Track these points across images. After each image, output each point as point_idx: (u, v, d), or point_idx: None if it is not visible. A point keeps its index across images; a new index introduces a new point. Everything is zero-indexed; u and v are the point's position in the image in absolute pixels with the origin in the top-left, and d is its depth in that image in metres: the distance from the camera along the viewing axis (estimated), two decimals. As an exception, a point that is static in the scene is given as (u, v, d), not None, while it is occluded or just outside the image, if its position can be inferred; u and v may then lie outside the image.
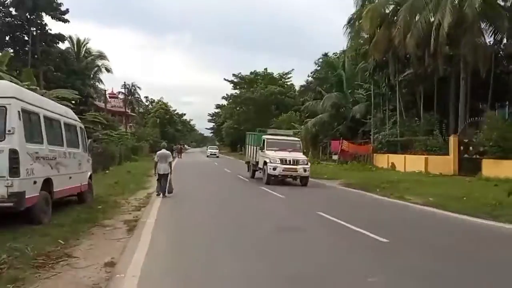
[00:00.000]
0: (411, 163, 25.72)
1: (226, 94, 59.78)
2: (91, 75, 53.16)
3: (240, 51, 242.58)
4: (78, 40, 49.63)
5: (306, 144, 42.11)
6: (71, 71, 43.61)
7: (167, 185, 15.15)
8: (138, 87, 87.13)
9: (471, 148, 22.58)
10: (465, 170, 22.76)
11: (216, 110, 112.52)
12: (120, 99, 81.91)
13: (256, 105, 56.15)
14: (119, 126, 53.58)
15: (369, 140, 34.33)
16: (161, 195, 14.97)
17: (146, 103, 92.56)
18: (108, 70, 57.77)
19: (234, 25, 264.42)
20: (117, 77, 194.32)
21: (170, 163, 15.66)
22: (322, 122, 38.04)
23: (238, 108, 60.01)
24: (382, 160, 29.49)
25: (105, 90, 57.55)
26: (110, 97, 70.18)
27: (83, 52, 50.26)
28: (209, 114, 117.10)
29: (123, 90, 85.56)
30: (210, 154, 60.07)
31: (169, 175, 15.30)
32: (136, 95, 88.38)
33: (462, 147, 23.33)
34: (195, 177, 24.47)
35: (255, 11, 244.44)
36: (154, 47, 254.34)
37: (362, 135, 36.40)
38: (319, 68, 58.07)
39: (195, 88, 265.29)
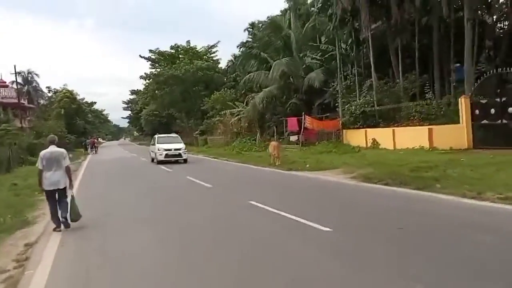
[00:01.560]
0: (405, 137, 19.71)
1: (145, 73, 50.18)
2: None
3: (151, 36, 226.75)
4: None
5: (252, 126, 35.05)
6: None
7: (68, 208, 8.57)
8: (36, 74, 74.15)
9: (492, 111, 16.99)
10: (482, 141, 17.29)
11: (132, 97, 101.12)
12: (14, 88, 68.34)
13: (182, 84, 47.45)
14: (11, 121, 42.01)
15: (332, 114, 28.12)
16: (61, 227, 8.39)
17: (49, 94, 78.86)
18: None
19: (140, 8, 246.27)
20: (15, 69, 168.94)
21: (68, 169, 9.01)
22: (271, 97, 30.99)
23: (159, 90, 50.69)
24: (357, 137, 23.34)
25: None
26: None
27: None
28: (124, 102, 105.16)
29: (18, 79, 72.86)
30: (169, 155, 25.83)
31: (67, 189, 8.81)
32: (34, 84, 75.49)
33: (478, 111, 17.69)
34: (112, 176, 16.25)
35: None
36: (56, 35, 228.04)
37: (320, 109, 30.08)
38: (251, 37, 51.05)
39: (106, 78, 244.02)
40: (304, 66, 31.01)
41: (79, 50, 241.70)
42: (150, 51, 52.58)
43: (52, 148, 8.92)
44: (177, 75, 45.70)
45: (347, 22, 25.06)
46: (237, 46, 53.88)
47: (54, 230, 8.33)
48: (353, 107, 23.87)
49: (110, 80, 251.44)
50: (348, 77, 27.21)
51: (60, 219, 8.45)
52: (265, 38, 33.54)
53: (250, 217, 8.39)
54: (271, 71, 29.49)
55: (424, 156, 15.82)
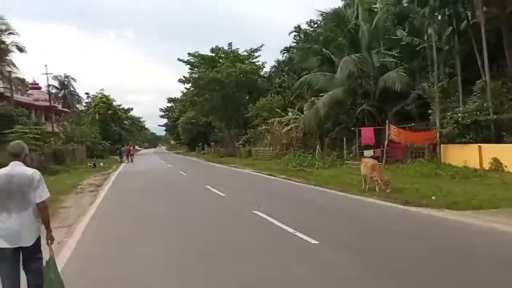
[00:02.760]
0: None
1: (184, 77, 45.30)
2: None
3: (189, 46, 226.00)
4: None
5: (309, 136, 29.21)
6: None
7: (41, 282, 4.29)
8: (73, 79, 71.14)
9: None
10: None
11: (169, 104, 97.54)
12: (51, 93, 65.39)
13: (223, 89, 42.31)
14: (41, 124, 37.97)
15: (417, 124, 21.98)
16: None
17: (87, 100, 75.87)
18: (21, 50, 42.00)
19: (175, 20, 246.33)
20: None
21: (41, 208, 4.40)
22: (335, 102, 25.05)
23: (199, 96, 45.72)
24: (463, 155, 17.03)
25: (10, 74, 41.30)
26: (31, 88, 53.79)
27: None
28: (161, 109, 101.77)
29: (54, 84, 70.19)
30: None
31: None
32: (71, 89, 72.58)
33: None
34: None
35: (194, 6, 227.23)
36: (95, 45, 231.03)
37: (397, 118, 23.88)
38: (295, 41, 45.50)
39: (144, 87, 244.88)
40: (377, 65, 24.98)
41: (117, 60, 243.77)
42: (189, 54, 47.86)
43: (14, 168, 4.47)
44: (219, 79, 40.53)
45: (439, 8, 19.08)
46: (281, 51, 48.60)
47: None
48: (458, 115, 17.64)
49: (147, 89, 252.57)
50: (440, 78, 20.98)
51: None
52: (325, 34, 27.77)
53: None
54: (338, 69, 23.62)
55: None
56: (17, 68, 46.37)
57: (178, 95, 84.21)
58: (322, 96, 26.71)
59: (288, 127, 31.25)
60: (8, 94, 34.98)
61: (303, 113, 30.12)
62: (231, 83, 41.87)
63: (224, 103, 43.44)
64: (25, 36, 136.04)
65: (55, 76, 68.89)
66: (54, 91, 69.68)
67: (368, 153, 22.08)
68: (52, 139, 35.17)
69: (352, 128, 23.32)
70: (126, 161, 45.36)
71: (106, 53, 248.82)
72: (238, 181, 18.77)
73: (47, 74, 45.12)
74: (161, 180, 20.14)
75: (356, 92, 25.34)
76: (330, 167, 22.25)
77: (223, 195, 13.31)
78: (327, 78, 26.70)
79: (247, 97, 44.28)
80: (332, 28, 27.43)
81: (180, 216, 10.18)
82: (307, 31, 37.11)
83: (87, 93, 75.50)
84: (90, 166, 33.88)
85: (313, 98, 27.19)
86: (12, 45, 41.45)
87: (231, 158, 40.61)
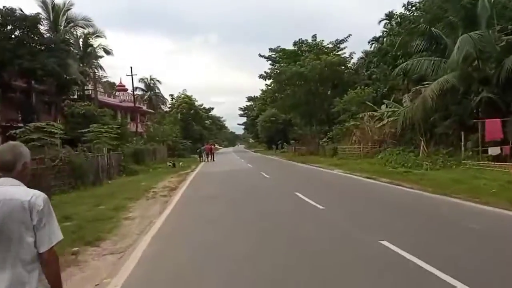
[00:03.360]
0: None
1: (265, 72, 42.59)
2: (78, 54, 37.78)
3: (268, 46, 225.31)
4: (54, 5, 33.87)
5: (414, 132, 24.82)
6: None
7: None
8: (158, 81, 72.54)
9: None
10: None
11: (248, 103, 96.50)
12: (137, 94, 67.10)
13: (306, 83, 38.99)
14: (126, 124, 37.81)
15: None
16: None
17: (171, 101, 77.07)
18: (107, 52, 42.60)
19: (256, 23, 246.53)
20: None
21: (48, 259, 2.22)
22: (445, 91, 20.54)
23: (280, 92, 42.88)
24: None
25: (96, 76, 41.86)
26: (117, 90, 55.11)
27: (63, 23, 34.60)
28: (240, 108, 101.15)
29: (140, 86, 72.13)
30: None
31: None
32: (157, 91, 74.10)
33: None
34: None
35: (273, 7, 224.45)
36: (179, 51, 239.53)
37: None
38: (385, 30, 40.99)
39: (224, 88, 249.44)
40: (501, 44, 20.03)
41: (200, 64, 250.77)
42: (271, 49, 45.18)
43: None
44: (302, 72, 37.27)
45: None
46: (369, 42, 44.14)
47: None
48: None
49: (227, 90, 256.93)
50: None
51: None
52: (433, 11, 23.20)
53: None
54: (454, 50, 19.10)
55: None
56: (104, 71, 47.69)
57: (258, 94, 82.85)
58: (426, 85, 22.37)
59: (383, 122, 27.03)
60: (94, 95, 35.04)
61: (402, 106, 25.79)
62: (315, 77, 38.37)
63: (307, 98, 40.11)
64: (115, 43, 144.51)
65: (141, 78, 70.88)
66: (140, 92, 71.84)
67: (494, 150, 17.51)
68: (134, 138, 34.58)
69: (474, 121, 18.67)
70: (207, 160, 44.14)
71: (190, 57, 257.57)
72: (333, 186, 15.39)
73: (132, 75, 45.11)
74: (241, 184, 17.40)
75: (473, 77, 20.61)
76: (443, 168, 18.01)
77: (321, 207, 10.09)
78: (435, 63, 22.27)
79: (332, 91, 40.50)
80: (440, 5, 22.85)
81: (270, 244, 7.16)
82: (405, 15, 32.43)
83: (171, 95, 76.64)
84: (169, 165, 32.67)
85: (419, 87, 22.81)
86: (100, 48, 42.33)
87: (314, 157, 37.22)
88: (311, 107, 40.78)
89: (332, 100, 39.69)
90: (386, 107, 29.09)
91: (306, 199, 11.25)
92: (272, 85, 45.77)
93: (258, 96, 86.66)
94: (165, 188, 17.21)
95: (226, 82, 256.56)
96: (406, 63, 24.17)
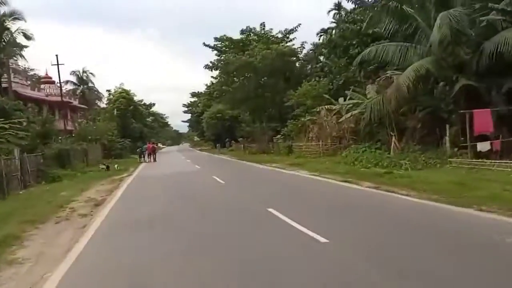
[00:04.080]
0: None
1: (210, 62, 38.47)
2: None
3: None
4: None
5: (381, 127, 22.23)
6: None
7: None
8: (91, 74, 65.94)
9: None
10: None
11: (192, 99, 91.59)
12: (68, 89, 60.24)
13: (255, 75, 35.71)
14: (52, 121, 32.16)
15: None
16: None
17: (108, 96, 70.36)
18: (28, 37, 36.34)
19: (199, 16, 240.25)
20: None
21: None
22: (418, 78, 18.02)
23: (227, 86, 39.11)
24: None
25: (12, 64, 35.78)
26: (43, 83, 48.54)
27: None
28: (184, 105, 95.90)
29: (72, 79, 65.12)
30: None
31: None
32: (90, 84, 67.36)
33: None
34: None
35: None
36: (116, 46, 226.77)
37: (507, 98, 16.84)
38: (334, 22, 39.29)
39: (165, 85, 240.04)
40: (478, 27, 17.86)
41: (139, 59, 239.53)
42: (216, 39, 41.37)
43: None
44: (251, 63, 33.88)
45: None
46: (317, 34, 41.94)
47: None
48: None
49: (169, 87, 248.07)
50: None
51: None
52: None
53: None
54: (435, 30, 16.56)
55: None
56: (24, 58, 40.98)
57: (202, 89, 78.51)
58: (395, 73, 19.89)
59: (346, 116, 24.30)
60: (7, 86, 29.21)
61: (365, 97, 23.22)
62: (265, 68, 35.15)
63: (257, 91, 36.84)
64: (47, 36, 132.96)
65: (72, 71, 63.89)
66: (71, 87, 64.85)
67: (483, 146, 15.16)
68: (60, 138, 29.29)
69: (462, 111, 16.18)
70: (148, 160, 39.61)
71: (129, 53, 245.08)
72: (313, 197, 11.71)
73: (58, 64, 38.89)
74: (190, 196, 13.24)
75: (448, 63, 18.30)
76: (426, 168, 15.42)
77: (324, 241, 6.41)
78: (401, 49, 19.81)
79: (283, 84, 37.53)
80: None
81: None
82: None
83: (108, 90, 69.96)
84: (102, 168, 27.91)
85: (389, 73, 20.19)
86: (18, 33, 36.05)
87: (266, 156, 34.09)
88: (262, 101, 37.53)
89: (284, 94, 36.76)
90: (348, 99, 26.49)
91: (293, 224, 7.63)
92: (219, 77, 41.90)
93: (203, 92, 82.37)
94: (88, 201, 13.00)
95: (167, 79, 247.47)
96: (368, 49, 21.52)
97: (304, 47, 38.07)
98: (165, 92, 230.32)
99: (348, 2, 29.95)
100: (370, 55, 21.13)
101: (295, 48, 38.28)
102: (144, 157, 40.56)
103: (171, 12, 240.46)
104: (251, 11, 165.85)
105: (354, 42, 30.44)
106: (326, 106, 27.93)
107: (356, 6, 31.31)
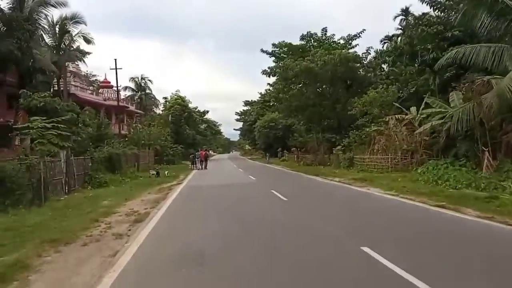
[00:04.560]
0: None
1: (268, 68, 36.18)
2: (53, 42, 31.69)
3: (260, 56, 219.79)
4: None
5: (471, 138, 18.83)
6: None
7: None
8: (150, 81, 66.48)
9: None
10: None
11: (245, 108, 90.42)
12: (126, 95, 61.02)
13: (315, 82, 33.07)
14: (107, 124, 31.53)
15: None
16: None
17: (163, 101, 70.68)
18: (88, 41, 36.34)
19: (255, 28, 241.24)
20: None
21: None
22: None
23: (284, 93, 36.70)
24: None
25: (71, 68, 35.77)
26: (101, 87, 48.99)
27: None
28: (237, 113, 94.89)
29: (131, 86, 66.07)
30: None
31: None
32: (147, 91, 67.99)
33: None
34: None
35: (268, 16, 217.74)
36: (173, 56, 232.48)
37: None
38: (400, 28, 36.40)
39: (218, 94, 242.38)
40: None
41: (196, 71, 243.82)
42: (274, 45, 39.32)
43: None
44: (312, 68, 31.34)
45: None
46: (381, 41, 39.05)
47: None
48: None
49: (222, 96, 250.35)
50: None
51: None
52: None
53: None
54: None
55: None
56: (84, 63, 41.21)
57: (256, 98, 77.01)
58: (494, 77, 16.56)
59: (426, 126, 21.06)
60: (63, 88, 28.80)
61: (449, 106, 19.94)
62: (326, 74, 32.44)
63: (316, 99, 34.15)
64: (108, 48, 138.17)
65: (131, 77, 64.72)
66: (129, 93, 65.73)
67: None
68: (112, 141, 28.35)
69: None
70: (200, 167, 38.20)
71: (184, 63, 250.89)
72: (406, 228, 8.61)
73: (116, 68, 38.68)
74: (250, 218, 10.49)
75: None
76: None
77: None
78: (496, 51, 16.53)
79: (345, 93, 34.65)
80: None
81: None
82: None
83: (165, 98, 70.37)
84: (152, 174, 26.51)
85: (488, 77, 16.89)
86: (79, 36, 36.12)
87: (323, 168, 31.25)
88: (320, 110, 34.75)
89: (345, 102, 33.86)
90: (421, 109, 23.27)
91: (410, 278, 5.11)
92: (276, 84, 39.47)
93: (256, 100, 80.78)
94: (129, 215, 11.07)
95: (220, 89, 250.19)
96: (455, 51, 18.29)
97: (369, 53, 34.90)
98: (218, 101, 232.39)
99: (422, 3, 26.83)
100: (456, 56, 17.95)
101: (358, 55, 35.31)
102: (196, 163, 39.19)
103: (226, 24, 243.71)
104: (311, 20, 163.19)
105: (429, 47, 27.04)
106: (396, 116, 24.78)
107: (432, 7, 27.95)
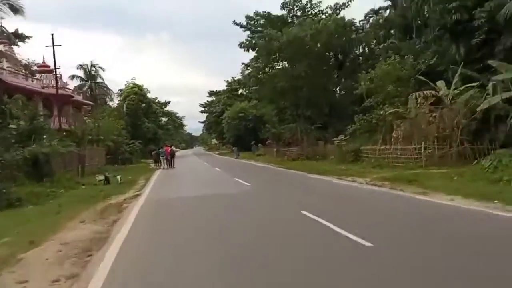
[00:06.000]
0: None
1: (246, 40, 29.06)
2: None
3: (223, 47, 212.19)
4: None
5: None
6: None
7: None
8: (100, 68, 57.73)
9: None
10: None
11: (210, 99, 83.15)
12: (70, 85, 51.99)
13: (306, 56, 26.65)
14: (39, 115, 23.80)
15: None
16: None
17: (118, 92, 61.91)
18: (15, 10, 27.93)
19: (212, 20, 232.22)
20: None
21: None
22: None
23: (264, 73, 30.06)
24: None
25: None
26: (39, 72, 40.35)
27: None
28: (201, 104, 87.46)
29: (80, 74, 57.11)
30: None
31: None
32: (99, 80, 59.06)
33: None
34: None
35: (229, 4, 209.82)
36: (131, 50, 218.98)
37: None
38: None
39: (178, 88, 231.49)
40: None
41: (154, 63, 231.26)
42: (248, 17, 32.66)
43: None
44: (303, 38, 24.90)
45: None
46: (365, 16, 33.40)
47: None
48: None
49: (182, 90, 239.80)
50: None
51: None
52: None
53: None
54: None
55: None
56: (16, 44, 32.78)
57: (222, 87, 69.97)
58: None
59: (483, 104, 15.28)
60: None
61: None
62: (316, 47, 26.18)
63: (307, 79, 27.72)
64: (62, 40, 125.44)
65: (80, 65, 55.63)
66: (78, 82, 56.80)
67: None
68: (44, 136, 20.76)
69: None
70: (166, 166, 31.15)
71: (143, 56, 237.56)
72: None
73: (53, 46, 30.11)
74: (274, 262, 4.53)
75: None
76: None
77: None
78: None
79: (338, 70, 28.61)
80: None
81: None
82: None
83: (120, 90, 61.57)
84: (100, 181, 19.24)
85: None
86: (4, 4, 27.71)
87: (319, 164, 25.10)
88: (311, 91, 28.35)
89: (339, 83, 27.83)
90: (454, 82, 17.74)
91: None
92: (256, 62, 32.42)
93: (223, 90, 73.78)
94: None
95: (180, 82, 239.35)
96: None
97: (368, 21, 28.96)
98: (177, 95, 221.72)
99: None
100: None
101: (355, 22, 29.19)
102: (161, 162, 31.87)
103: (182, 14, 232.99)
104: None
105: (452, 5, 21.45)
106: (424, 92, 18.92)
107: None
